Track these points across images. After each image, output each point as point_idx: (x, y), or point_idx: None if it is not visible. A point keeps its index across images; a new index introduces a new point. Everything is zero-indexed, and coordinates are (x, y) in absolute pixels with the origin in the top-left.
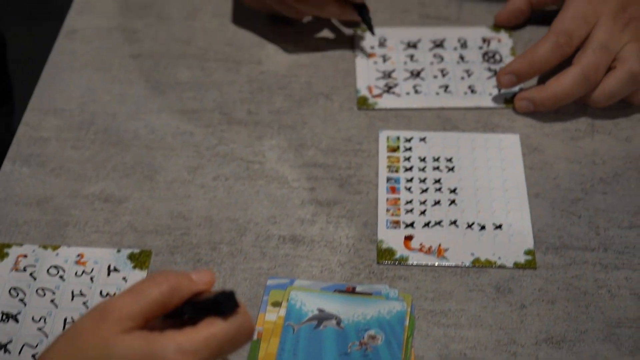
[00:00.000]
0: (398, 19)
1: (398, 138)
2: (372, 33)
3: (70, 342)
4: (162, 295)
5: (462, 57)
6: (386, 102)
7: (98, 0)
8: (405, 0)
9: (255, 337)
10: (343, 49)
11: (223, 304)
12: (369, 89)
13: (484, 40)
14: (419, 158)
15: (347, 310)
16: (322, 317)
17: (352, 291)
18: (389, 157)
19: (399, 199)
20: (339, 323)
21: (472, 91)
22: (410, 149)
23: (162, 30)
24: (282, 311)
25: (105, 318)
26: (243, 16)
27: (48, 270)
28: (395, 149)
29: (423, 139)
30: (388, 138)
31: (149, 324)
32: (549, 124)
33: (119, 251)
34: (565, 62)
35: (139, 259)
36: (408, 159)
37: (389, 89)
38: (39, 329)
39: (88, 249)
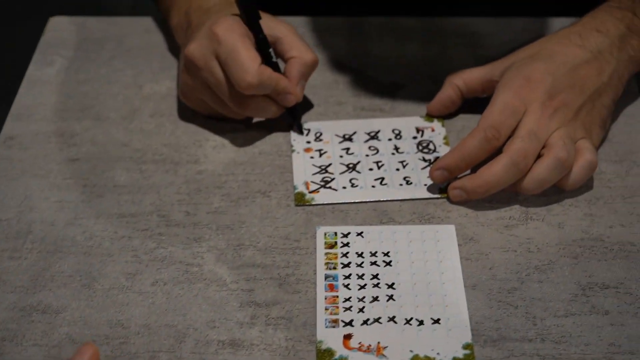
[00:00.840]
0: (332, 111)
1: (335, 234)
2: (301, 132)
3: None
4: None
5: (396, 148)
6: (323, 197)
7: (37, 104)
8: (340, 93)
9: None
10: (279, 145)
11: None
12: (306, 184)
13: (418, 130)
14: (357, 253)
15: None
16: None
17: None
18: (326, 254)
19: (337, 296)
20: None
21: (408, 182)
22: (347, 244)
23: (100, 133)
24: None
25: None
26: (180, 116)
27: None
28: (332, 245)
29: (360, 234)
30: (325, 234)
31: None
32: (483, 212)
33: None
34: (499, 151)
35: None
36: (346, 254)
37: (325, 183)
38: None
39: None
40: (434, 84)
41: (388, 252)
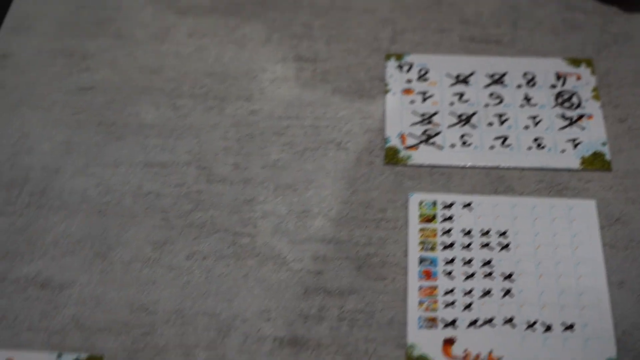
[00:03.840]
0: (431, 41)
1: (434, 204)
2: None
3: None
4: None
5: (527, 99)
6: (423, 156)
7: (39, 13)
8: (442, 17)
9: None
10: (362, 81)
11: None
12: (402, 137)
13: (559, 76)
14: (463, 231)
15: None
16: None
17: None
18: (422, 230)
19: (435, 287)
20: None
21: (539, 145)
22: (450, 218)
23: (121, 55)
24: None
25: None
26: (229, 37)
27: None
28: (430, 219)
29: (467, 205)
30: (421, 204)
31: None
32: (636, 183)
33: (59, 356)
34: None
35: None
36: (448, 232)
37: (428, 138)
38: None
39: (18, 352)
40: (569, 11)
41: (505, 232)
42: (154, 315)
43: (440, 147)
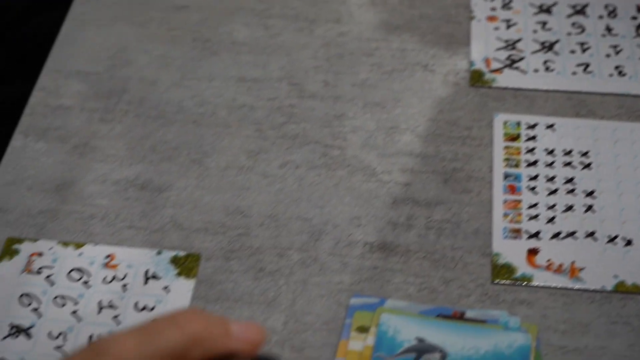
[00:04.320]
0: None
1: (518, 124)
2: None
3: None
4: (181, 343)
5: (609, 29)
6: (507, 79)
7: None
8: None
9: None
10: (447, 7)
11: None
12: (486, 61)
13: (639, 9)
14: (546, 150)
15: (455, 342)
16: (422, 349)
17: (460, 317)
18: (506, 148)
19: (519, 201)
20: (444, 357)
21: (620, 73)
22: (534, 138)
23: None
24: (371, 339)
25: None
26: None
27: (69, 273)
28: (514, 138)
29: (551, 127)
30: (505, 123)
31: None
32: None
33: (159, 253)
34: None
35: (185, 264)
36: (531, 150)
37: (512, 62)
38: (57, 347)
39: (120, 248)
40: None
41: (587, 152)
42: (248, 218)
43: (524, 72)
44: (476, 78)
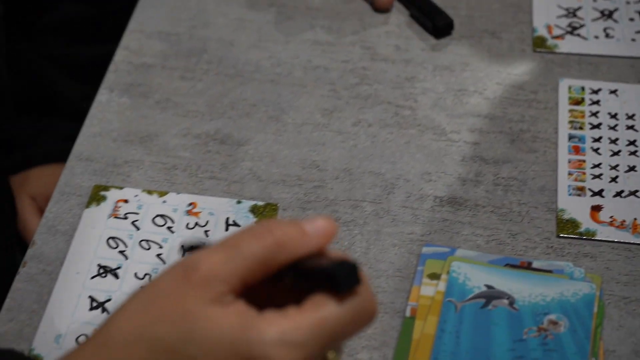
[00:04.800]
0: None
1: (582, 89)
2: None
3: (144, 307)
4: (265, 251)
5: None
6: (569, 45)
7: None
8: None
9: (408, 314)
10: None
11: (340, 277)
12: (548, 28)
13: None
14: (609, 114)
15: (522, 289)
16: (491, 295)
17: (527, 267)
18: (571, 111)
19: (584, 161)
20: (512, 303)
21: None
22: (597, 102)
23: None
24: (442, 285)
25: (189, 278)
26: None
27: (153, 219)
28: (579, 102)
29: (614, 92)
30: (570, 88)
31: (246, 291)
32: None
33: (239, 202)
34: None
35: (264, 213)
36: (595, 114)
37: (572, 30)
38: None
39: (202, 197)
40: None
41: None
42: (324, 172)
43: (585, 38)
44: (539, 44)
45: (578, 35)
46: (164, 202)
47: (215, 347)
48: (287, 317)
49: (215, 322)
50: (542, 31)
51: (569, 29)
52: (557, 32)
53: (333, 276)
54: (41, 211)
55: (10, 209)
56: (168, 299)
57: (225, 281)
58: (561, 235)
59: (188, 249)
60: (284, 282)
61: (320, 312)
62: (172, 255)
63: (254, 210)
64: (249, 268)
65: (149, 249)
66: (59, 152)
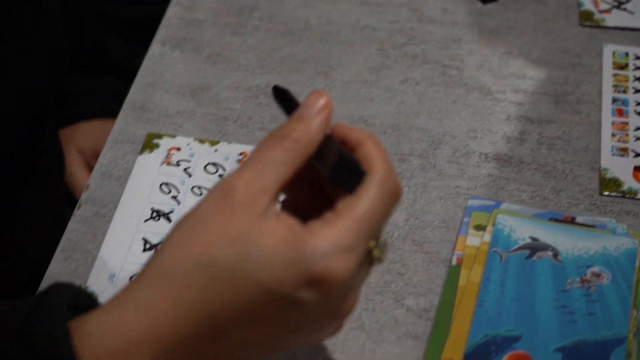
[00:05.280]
0: None
1: (627, 54)
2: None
3: (193, 235)
4: (287, 153)
5: None
6: (616, 19)
7: None
8: None
9: (454, 262)
10: None
11: (344, 183)
12: (595, 2)
13: None
14: None
15: (566, 242)
16: (535, 247)
17: (571, 221)
18: (615, 76)
19: (627, 123)
20: (555, 255)
21: None
22: None
23: None
24: (487, 236)
25: (231, 199)
26: None
27: (205, 167)
28: (623, 67)
29: None
30: (614, 53)
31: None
32: None
33: None
34: None
35: None
36: (639, 79)
37: (619, 4)
38: None
39: (252, 147)
40: None
41: None
42: (372, 127)
43: (632, 12)
44: (586, 17)
45: (625, 9)
46: (216, 150)
47: (273, 262)
48: (330, 225)
49: (268, 235)
50: (588, 5)
51: (616, 3)
52: (603, 6)
53: (339, 184)
54: (88, 165)
55: (60, 161)
56: (216, 223)
57: (266, 193)
58: (604, 193)
59: (280, 92)
60: (323, 170)
61: (354, 211)
62: None
63: None
64: (281, 174)
65: (200, 194)
66: (108, 108)
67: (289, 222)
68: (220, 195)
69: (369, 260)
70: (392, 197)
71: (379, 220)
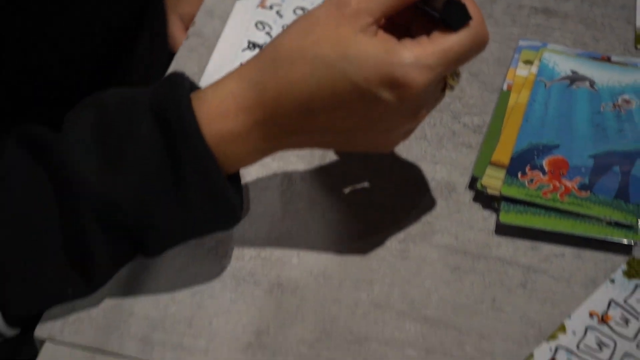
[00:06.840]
0: None
1: None
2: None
3: (305, 32)
4: None
5: None
6: None
7: None
8: None
9: (505, 88)
10: None
11: (452, 20)
12: None
13: None
14: None
15: (602, 75)
16: (575, 78)
17: (607, 60)
18: None
19: None
20: (592, 85)
21: None
22: None
23: None
24: (534, 68)
25: (342, 11)
26: None
27: (294, 10)
28: None
29: None
30: None
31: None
32: None
33: None
34: None
35: None
36: None
37: None
38: None
39: None
40: None
41: None
42: None
43: None
44: None
45: None
46: None
47: (365, 64)
48: (421, 44)
49: (365, 45)
50: None
51: None
52: None
53: (445, 20)
54: (187, 29)
55: (164, 25)
56: (326, 27)
57: (372, 14)
58: (638, 47)
59: None
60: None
61: (445, 41)
62: None
63: None
64: (386, 3)
65: None
66: None
67: (385, 37)
68: (335, 6)
69: (442, 84)
70: (479, 45)
71: (460, 59)
